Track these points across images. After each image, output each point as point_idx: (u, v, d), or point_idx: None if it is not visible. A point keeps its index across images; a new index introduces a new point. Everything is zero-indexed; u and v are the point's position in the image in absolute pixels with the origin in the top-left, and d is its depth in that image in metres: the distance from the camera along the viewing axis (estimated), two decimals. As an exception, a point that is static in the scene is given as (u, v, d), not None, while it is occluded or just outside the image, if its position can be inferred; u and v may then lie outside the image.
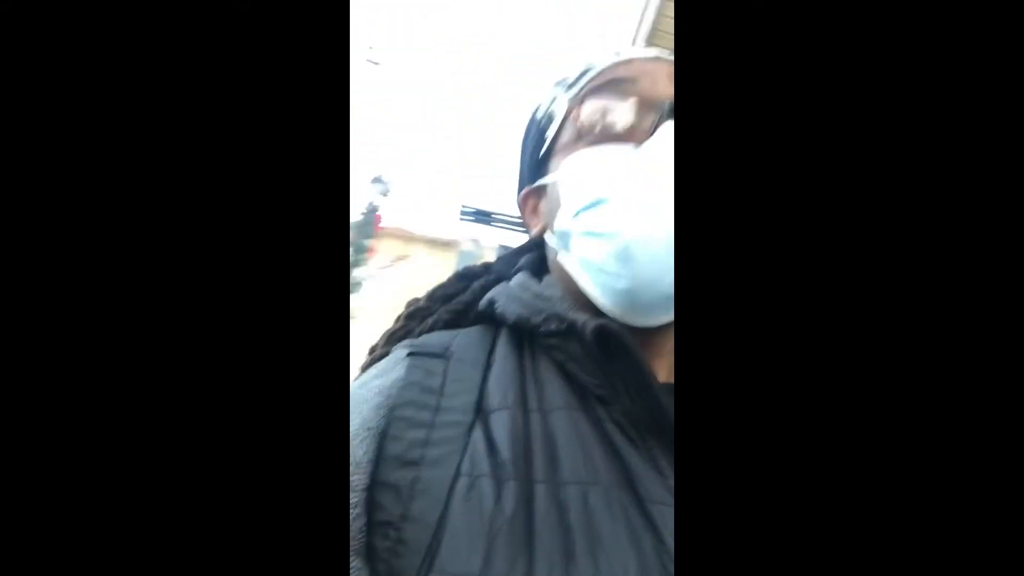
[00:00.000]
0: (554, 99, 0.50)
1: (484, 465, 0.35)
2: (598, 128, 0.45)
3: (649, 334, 0.43)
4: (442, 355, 0.43)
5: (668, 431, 0.37)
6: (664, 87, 0.45)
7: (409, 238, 11.56)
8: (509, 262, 0.55)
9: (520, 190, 0.54)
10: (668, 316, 0.42)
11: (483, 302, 0.48)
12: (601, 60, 0.49)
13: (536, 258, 0.53)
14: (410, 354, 0.43)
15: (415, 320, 0.53)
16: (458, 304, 0.53)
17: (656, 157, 0.41)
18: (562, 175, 0.46)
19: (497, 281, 0.53)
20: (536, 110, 0.53)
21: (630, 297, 0.41)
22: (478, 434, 0.37)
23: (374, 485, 0.36)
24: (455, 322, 0.52)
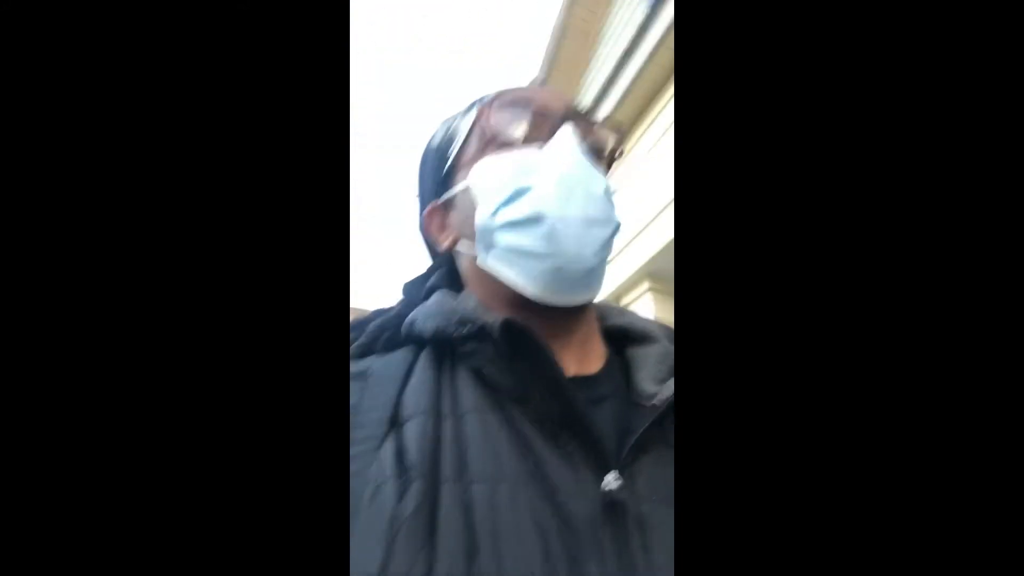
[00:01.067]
0: (451, 124, 0.54)
1: (389, 471, 0.36)
2: (504, 136, 0.49)
3: (563, 322, 0.47)
4: (359, 377, 0.44)
5: (581, 428, 0.39)
6: (558, 101, 0.50)
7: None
8: (417, 287, 0.56)
9: (422, 213, 0.56)
10: (586, 295, 0.47)
11: (404, 324, 0.49)
12: (488, 94, 0.53)
13: (446, 273, 0.55)
14: None
15: None
16: (354, 349, 0.51)
17: (562, 150, 0.46)
18: (474, 180, 0.49)
19: (397, 317, 0.52)
20: (431, 140, 0.56)
21: (559, 275, 0.45)
22: (388, 444, 0.38)
23: None
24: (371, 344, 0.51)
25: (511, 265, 0.47)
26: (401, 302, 0.55)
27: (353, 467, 0.36)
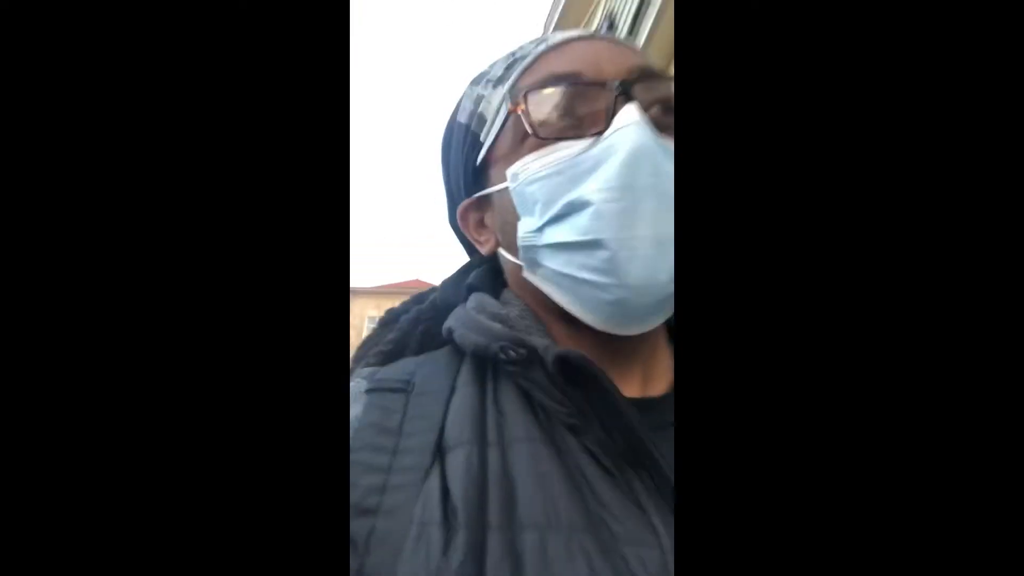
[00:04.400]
0: (481, 98, 0.44)
1: (435, 512, 0.33)
2: (546, 124, 0.39)
3: (626, 341, 0.40)
4: (403, 389, 0.40)
5: (647, 460, 0.34)
6: (608, 67, 0.40)
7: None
8: (452, 286, 0.50)
9: (453, 206, 0.49)
10: (658, 320, 0.40)
11: (444, 330, 0.44)
12: (527, 49, 0.44)
13: (487, 271, 0.48)
14: (368, 390, 0.40)
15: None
16: (388, 345, 0.49)
17: (625, 143, 0.37)
18: (514, 183, 0.41)
19: (431, 315, 0.49)
20: (456, 112, 0.47)
21: (621, 307, 0.38)
22: (434, 477, 0.34)
23: None
24: (390, 360, 0.48)
25: (563, 290, 0.40)
26: (437, 294, 0.51)
27: (392, 498, 0.34)
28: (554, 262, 0.39)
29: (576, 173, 0.38)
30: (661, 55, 2.85)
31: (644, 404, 0.39)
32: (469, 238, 0.48)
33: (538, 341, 0.38)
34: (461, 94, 0.48)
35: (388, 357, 0.48)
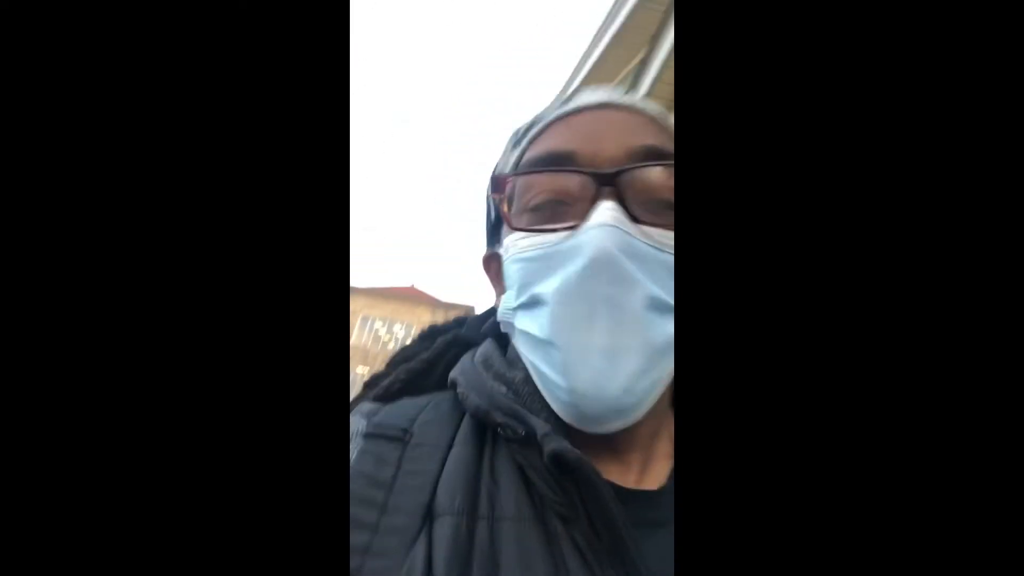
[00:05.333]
0: (508, 151, 0.46)
1: None
2: (528, 210, 0.40)
3: (607, 438, 0.39)
4: (399, 438, 0.40)
5: (630, 566, 0.33)
6: (608, 146, 0.39)
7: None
8: (476, 326, 0.51)
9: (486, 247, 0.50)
10: (620, 423, 0.38)
11: (449, 380, 0.44)
12: (546, 113, 0.44)
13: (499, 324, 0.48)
14: (366, 435, 0.40)
15: (370, 389, 0.49)
16: (418, 363, 0.48)
17: (590, 247, 0.36)
18: (505, 253, 0.41)
19: (464, 342, 0.49)
20: (497, 164, 0.48)
21: (575, 410, 0.37)
22: (420, 545, 0.34)
23: None
24: (414, 382, 0.48)
25: (536, 375, 0.39)
26: (463, 331, 0.51)
27: (376, 563, 0.33)
28: (525, 347, 0.40)
29: (548, 265, 0.38)
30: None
31: (635, 497, 0.38)
32: (491, 283, 0.49)
33: (537, 423, 0.37)
34: None
35: (416, 376, 0.48)
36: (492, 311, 0.49)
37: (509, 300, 0.41)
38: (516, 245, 0.40)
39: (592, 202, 0.37)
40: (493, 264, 0.47)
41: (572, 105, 0.43)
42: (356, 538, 0.34)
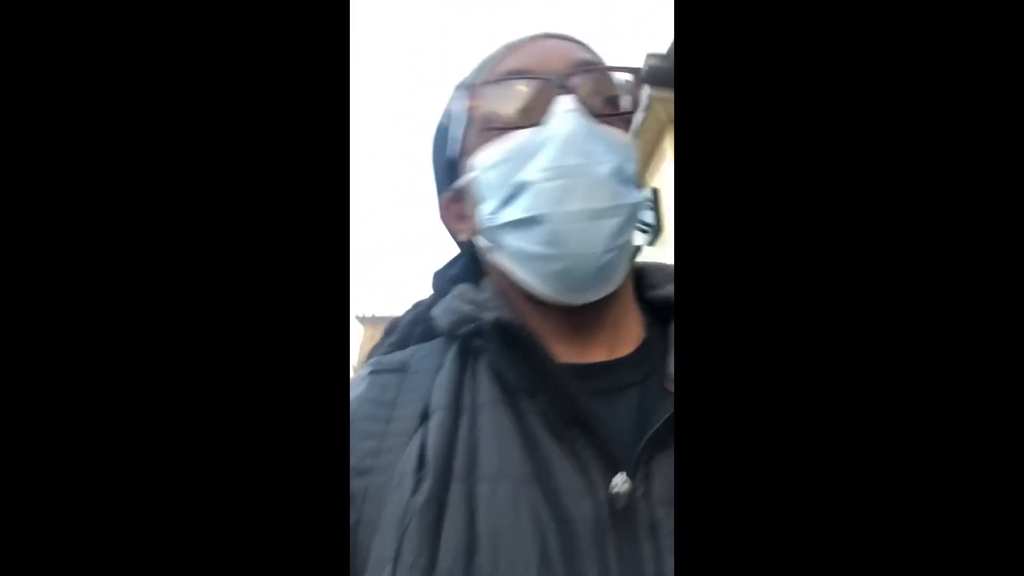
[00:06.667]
0: (455, 99, 0.49)
1: (411, 465, 0.38)
2: (496, 116, 0.44)
3: (588, 311, 0.44)
4: (400, 369, 0.46)
5: (588, 423, 0.38)
6: (555, 62, 0.45)
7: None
8: (442, 277, 0.55)
9: (439, 199, 0.54)
10: (603, 290, 0.44)
11: (430, 316, 0.50)
12: (494, 52, 0.49)
13: (469, 263, 0.53)
14: (371, 372, 0.47)
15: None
16: (387, 348, 0.54)
17: (558, 129, 0.41)
18: (476, 172, 0.45)
19: (427, 307, 0.53)
20: (443, 114, 0.52)
21: (566, 277, 0.42)
22: (417, 437, 0.40)
23: None
24: (409, 334, 0.54)
25: (519, 266, 0.44)
26: (433, 294, 0.55)
27: (384, 459, 0.39)
28: (510, 240, 0.44)
29: (521, 158, 0.42)
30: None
31: (601, 368, 0.44)
32: (447, 228, 0.53)
33: (488, 316, 0.43)
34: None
35: (409, 328, 0.54)
36: (455, 260, 0.55)
37: (488, 207, 0.44)
38: (489, 154, 0.44)
39: (550, 102, 0.42)
40: (454, 205, 0.51)
41: (517, 40, 0.49)
42: (367, 444, 0.40)
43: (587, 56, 0.47)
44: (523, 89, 0.44)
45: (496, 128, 0.44)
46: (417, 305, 0.56)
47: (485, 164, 0.44)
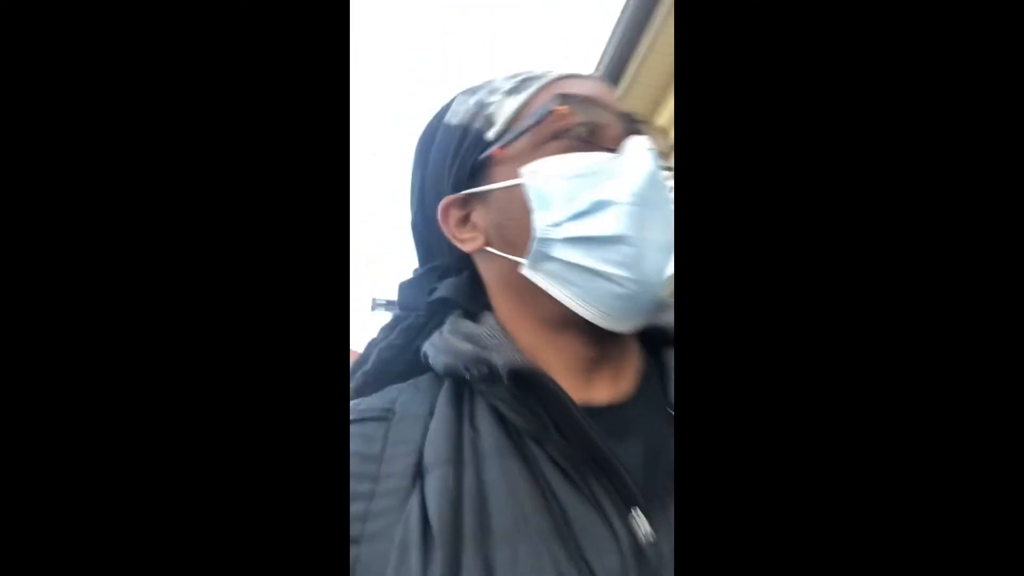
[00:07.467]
0: (484, 104, 0.46)
1: (415, 534, 0.34)
2: (573, 135, 0.43)
3: (611, 341, 0.43)
4: (383, 417, 0.42)
5: (607, 465, 0.36)
6: (617, 103, 0.46)
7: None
8: (414, 290, 0.51)
9: (423, 206, 0.50)
10: (647, 321, 0.44)
11: (421, 354, 0.46)
12: (535, 73, 0.47)
13: (466, 281, 0.49)
14: (352, 422, 0.42)
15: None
16: (369, 366, 0.50)
17: (642, 163, 0.42)
18: (532, 179, 0.42)
19: (402, 332, 0.50)
20: (443, 116, 0.49)
21: (631, 303, 0.42)
22: (414, 499, 0.36)
23: None
24: (391, 363, 0.50)
25: (568, 283, 0.42)
26: (398, 315, 0.52)
27: (375, 524, 0.35)
28: (568, 254, 0.41)
29: (601, 177, 0.42)
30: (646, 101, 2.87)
31: (607, 411, 0.42)
32: (448, 235, 0.48)
33: (497, 358, 0.40)
34: (449, 101, 0.50)
35: (391, 359, 0.50)
36: (431, 273, 0.51)
37: (547, 217, 0.42)
38: (557, 166, 0.42)
39: (624, 135, 0.43)
40: (454, 211, 0.47)
41: (562, 72, 0.47)
42: (353, 508, 0.36)
43: (634, 112, 0.47)
44: (599, 116, 0.44)
45: (563, 144, 0.43)
46: (387, 330, 0.52)
47: (549, 173, 0.42)
